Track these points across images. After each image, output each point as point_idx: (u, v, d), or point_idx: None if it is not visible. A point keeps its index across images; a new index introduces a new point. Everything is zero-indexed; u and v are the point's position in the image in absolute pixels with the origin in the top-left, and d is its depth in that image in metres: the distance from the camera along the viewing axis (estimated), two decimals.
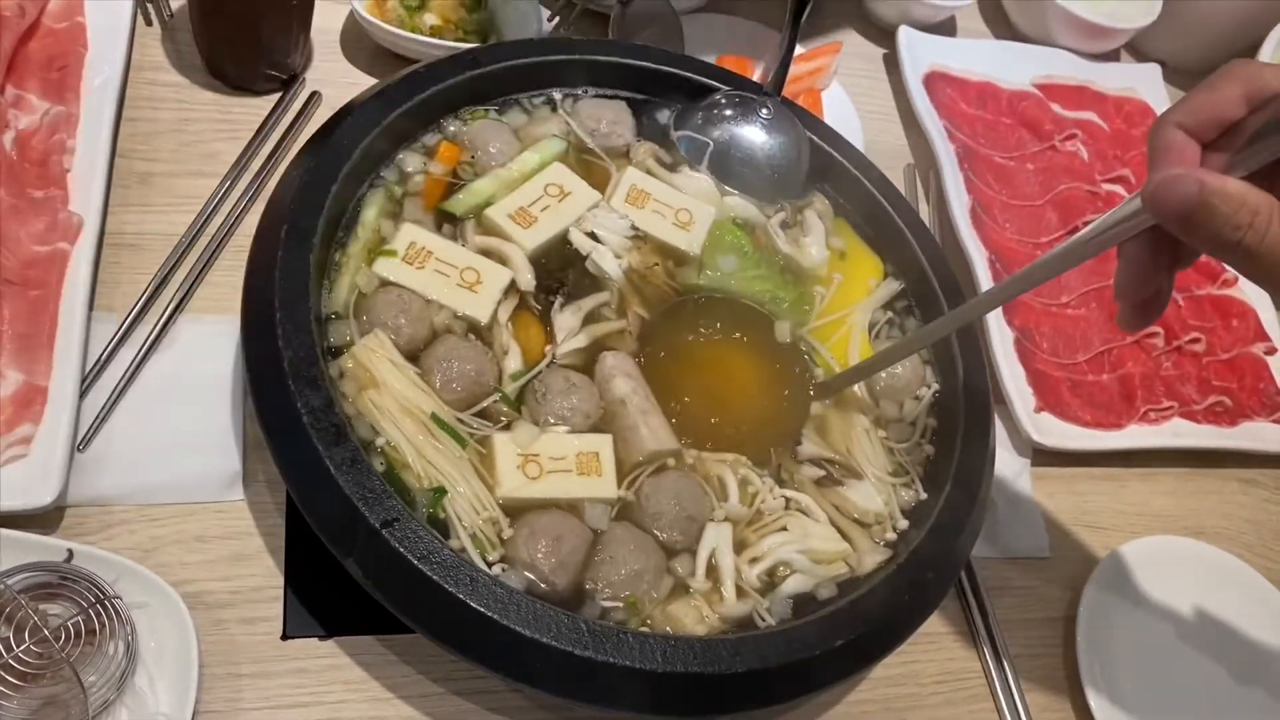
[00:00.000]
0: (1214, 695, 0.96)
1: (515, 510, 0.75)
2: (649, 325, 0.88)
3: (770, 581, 0.78)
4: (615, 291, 0.88)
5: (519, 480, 0.75)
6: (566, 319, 0.85)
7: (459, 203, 0.88)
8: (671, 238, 0.93)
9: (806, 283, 0.96)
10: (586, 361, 0.84)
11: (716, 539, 0.78)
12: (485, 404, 0.78)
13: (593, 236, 0.90)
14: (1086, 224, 1.22)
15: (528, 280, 0.85)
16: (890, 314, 0.97)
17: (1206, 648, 0.98)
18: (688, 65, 1.03)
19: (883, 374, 0.91)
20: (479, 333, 0.82)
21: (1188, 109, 0.61)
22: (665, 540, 0.77)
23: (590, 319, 0.86)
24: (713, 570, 0.77)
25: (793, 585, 0.78)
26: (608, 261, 0.89)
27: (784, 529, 0.80)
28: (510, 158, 0.92)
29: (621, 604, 0.73)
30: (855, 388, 0.91)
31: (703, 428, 0.83)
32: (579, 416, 0.79)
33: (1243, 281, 1.27)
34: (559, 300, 0.86)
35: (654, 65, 1.01)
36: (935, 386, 0.93)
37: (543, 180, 0.92)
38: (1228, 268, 1.25)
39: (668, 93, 1.02)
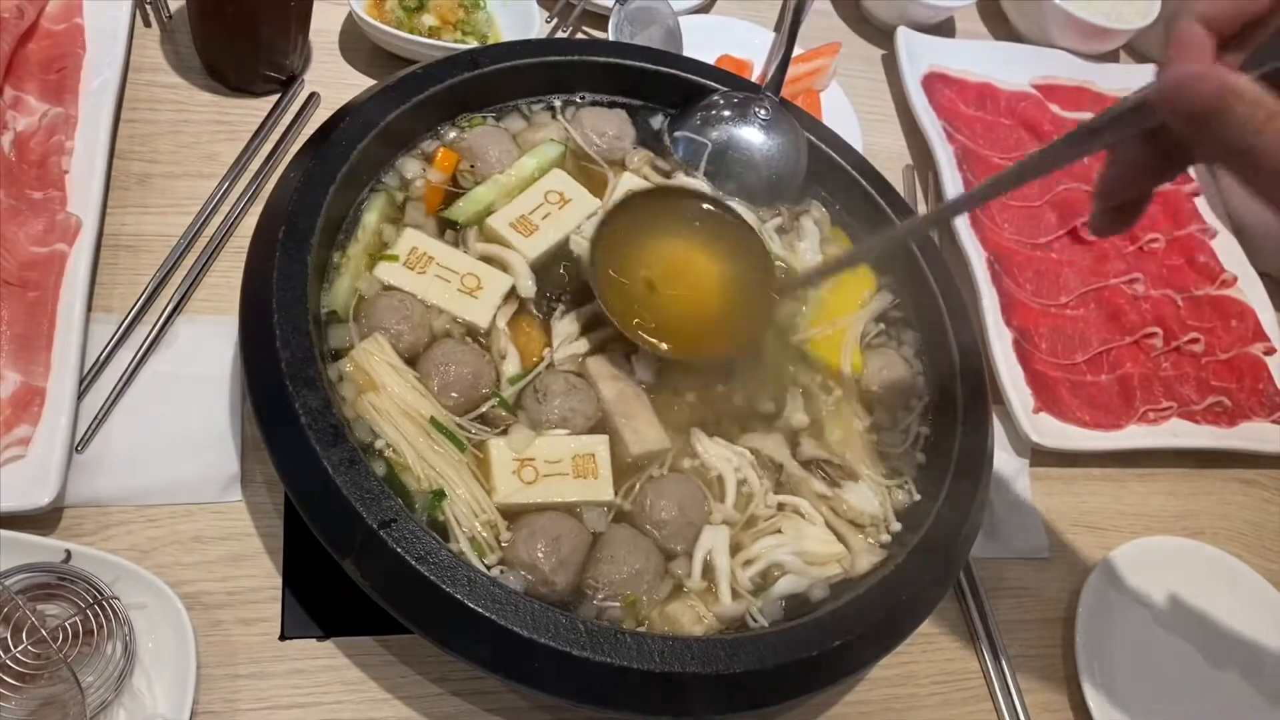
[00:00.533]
0: (1213, 695, 0.96)
1: (512, 515, 0.75)
2: (609, 217, 0.87)
3: (763, 583, 0.78)
4: None
5: (515, 485, 0.75)
6: (565, 325, 0.85)
7: (460, 210, 0.88)
8: None
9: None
10: (583, 366, 0.84)
11: (713, 541, 0.78)
12: (484, 409, 0.78)
13: None
14: (1085, 225, 1.24)
15: (528, 287, 0.86)
16: (882, 325, 0.97)
17: (1205, 648, 0.98)
18: (686, 66, 1.03)
19: (876, 382, 0.91)
20: (478, 337, 0.82)
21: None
22: (664, 544, 0.77)
23: (588, 325, 0.86)
24: (709, 570, 0.77)
25: (784, 586, 0.78)
26: None
27: (779, 531, 0.80)
28: (509, 164, 0.92)
29: (619, 603, 0.73)
30: (853, 392, 0.91)
31: (673, 330, 0.84)
32: (580, 418, 0.80)
33: (1242, 282, 1.27)
34: (560, 307, 0.86)
35: (652, 66, 1.01)
36: (926, 398, 0.92)
37: (544, 187, 0.92)
38: (1226, 269, 1.27)
39: (666, 94, 1.02)
